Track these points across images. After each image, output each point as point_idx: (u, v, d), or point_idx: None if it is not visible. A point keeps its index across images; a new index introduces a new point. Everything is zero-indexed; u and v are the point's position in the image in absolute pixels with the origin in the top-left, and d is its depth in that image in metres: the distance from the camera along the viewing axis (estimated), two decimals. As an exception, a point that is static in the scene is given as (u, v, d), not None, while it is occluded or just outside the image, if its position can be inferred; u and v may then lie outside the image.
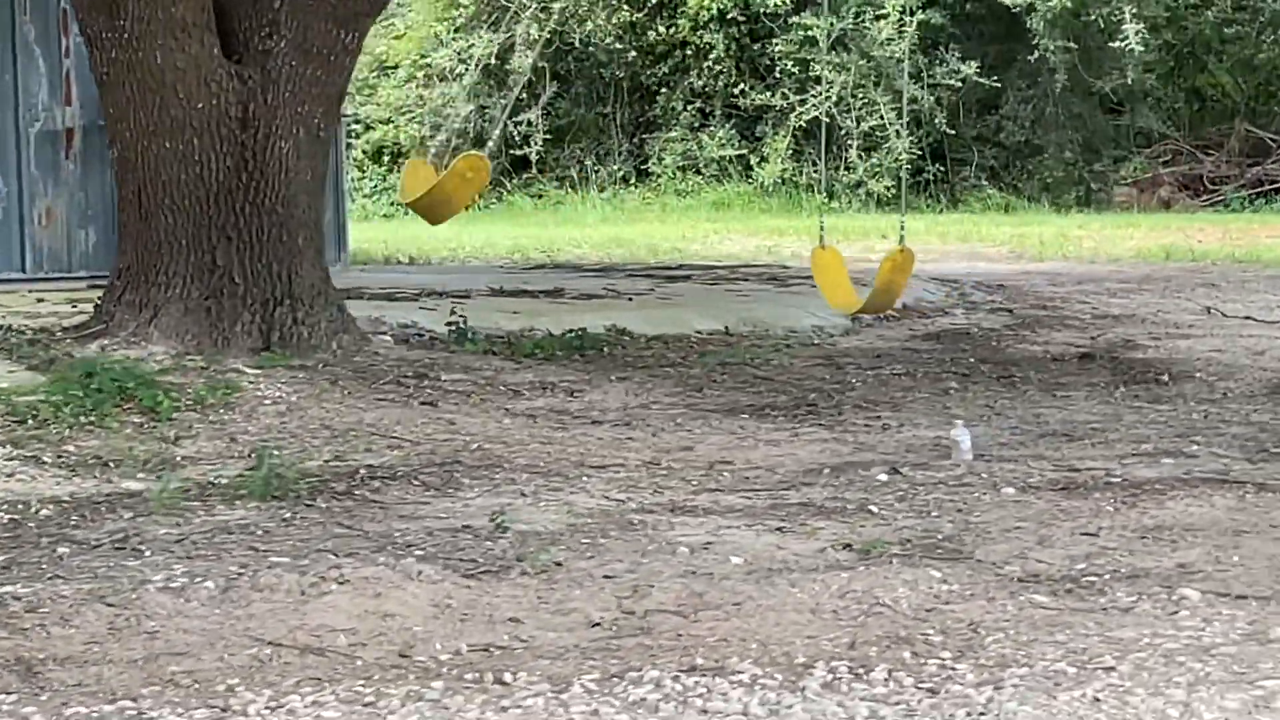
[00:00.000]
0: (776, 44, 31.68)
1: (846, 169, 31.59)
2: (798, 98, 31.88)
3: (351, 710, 6.05)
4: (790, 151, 31.67)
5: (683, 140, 32.62)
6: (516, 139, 32.24)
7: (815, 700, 6.25)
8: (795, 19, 31.48)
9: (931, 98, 32.15)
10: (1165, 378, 12.78)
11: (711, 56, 31.81)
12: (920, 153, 31.75)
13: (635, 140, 32.99)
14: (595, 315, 14.13)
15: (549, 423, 11.00)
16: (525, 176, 32.81)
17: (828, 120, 31.52)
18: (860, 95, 31.81)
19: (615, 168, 32.74)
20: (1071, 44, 32.21)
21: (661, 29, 31.96)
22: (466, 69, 32.55)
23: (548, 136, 32.46)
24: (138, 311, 11.94)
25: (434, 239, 28.99)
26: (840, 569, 7.99)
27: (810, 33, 31.49)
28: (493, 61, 32.76)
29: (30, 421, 10.48)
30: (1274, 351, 13.77)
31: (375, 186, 33.82)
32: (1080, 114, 33.70)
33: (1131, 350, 13.91)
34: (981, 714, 6.03)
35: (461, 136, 32.96)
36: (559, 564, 8.07)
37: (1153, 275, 20.13)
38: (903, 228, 12.28)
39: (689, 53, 32.15)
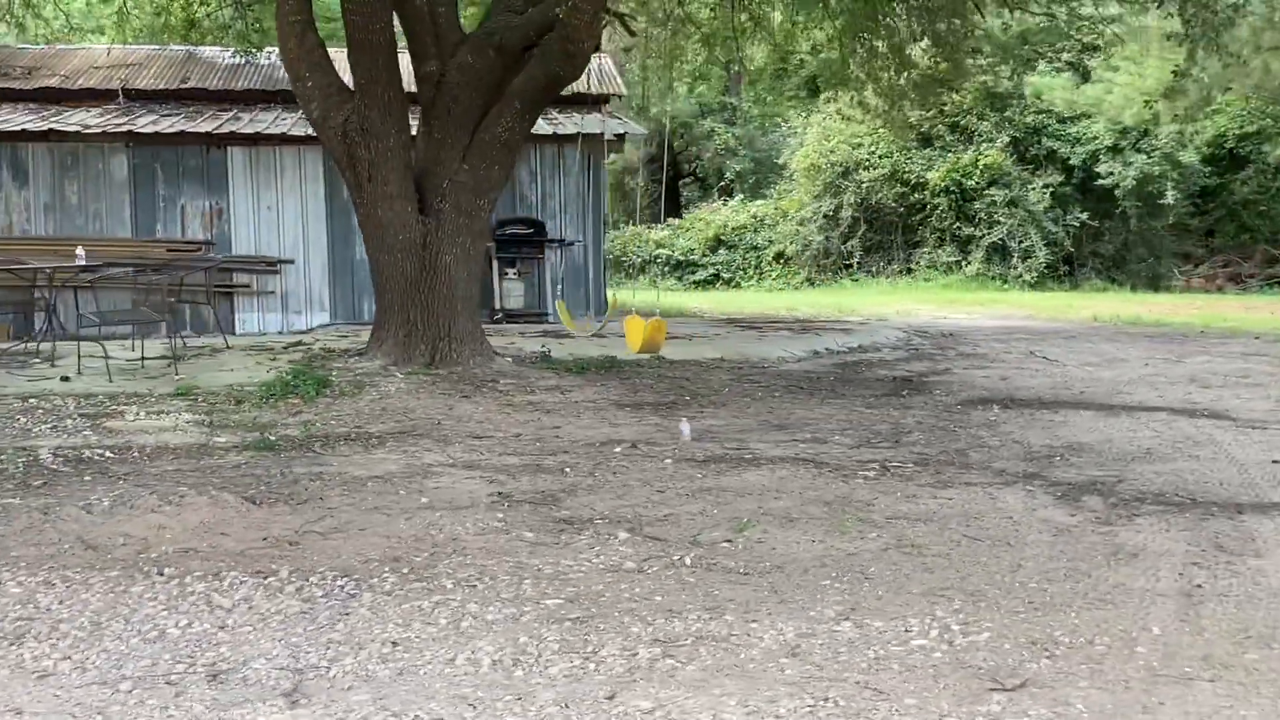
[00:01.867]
0: (975, 203, 29.44)
1: (1012, 268, 29.28)
2: (987, 230, 29.66)
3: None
4: (984, 259, 29.43)
5: (929, 252, 30.57)
6: (845, 251, 30.63)
7: (288, 597, 5.43)
8: (987, 191, 29.22)
9: (1063, 231, 29.79)
10: (905, 392, 10.66)
11: (940, 209, 29.77)
12: (1054, 260, 29.22)
13: (905, 251, 31.11)
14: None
15: (515, 409, 9.80)
16: (848, 271, 31.12)
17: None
18: (1021, 229, 29.50)
19: (895, 266, 30.79)
20: (1139, 203, 29.65)
21: (916, 195, 30.17)
22: (816, 216, 31.53)
23: (861, 251, 30.84)
24: (377, 343, 11.40)
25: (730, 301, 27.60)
26: (467, 509, 6.69)
27: (994, 197, 29.44)
28: (830, 213, 31.42)
29: (234, 401, 9.62)
30: (1014, 380, 11.49)
31: (777, 275, 32.37)
32: (1151, 239, 30.89)
33: (935, 375, 11.90)
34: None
35: (815, 250, 32.11)
36: (321, 499, 6.80)
37: (1061, 331, 17.34)
38: (657, 312, 10.54)
39: (930, 207, 30.25)
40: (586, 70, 18.25)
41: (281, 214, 15.43)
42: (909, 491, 7.11)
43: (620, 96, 18.56)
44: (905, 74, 18.89)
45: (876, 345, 14.35)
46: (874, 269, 32.68)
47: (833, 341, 14.32)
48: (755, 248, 34.45)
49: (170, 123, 15.52)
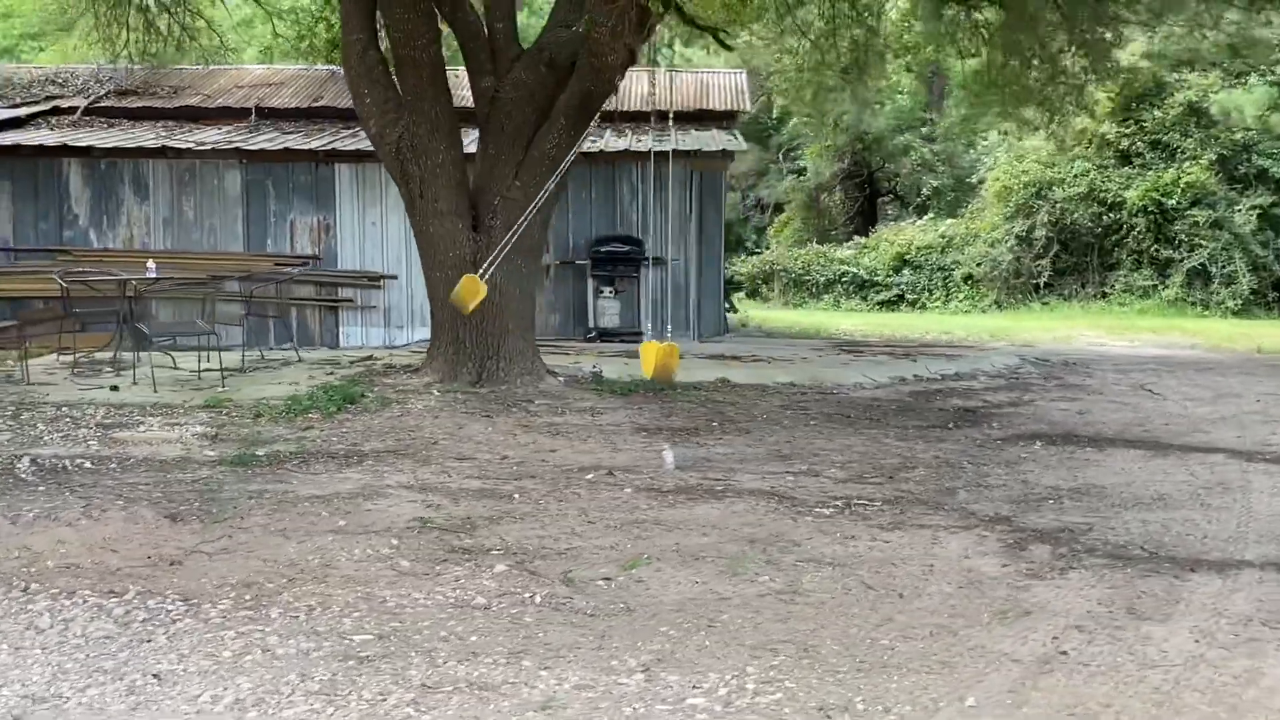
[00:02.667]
0: (1176, 224, 28.03)
1: (1214, 294, 27.88)
2: (1188, 254, 28.15)
3: None
4: (1184, 283, 27.96)
5: (1124, 275, 29.20)
6: (1034, 272, 29.51)
7: (109, 620, 5.42)
8: (1189, 212, 27.85)
9: (1272, 255, 28.20)
10: (954, 424, 10.06)
11: (1138, 229, 28.39)
12: (1261, 287, 27.88)
13: (1100, 274, 29.73)
14: (729, 371, 12.24)
15: (528, 430, 9.65)
16: (1040, 294, 29.88)
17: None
18: (1225, 253, 27.95)
19: (1089, 290, 29.50)
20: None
21: (1112, 215, 28.79)
22: (1007, 237, 30.42)
23: (1051, 272, 29.70)
24: (429, 360, 11.35)
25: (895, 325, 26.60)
26: (373, 534, 6.54)
27: (1196, 218, 27.92)
28: (1022, 233, 30.20)
29: (254, 415, 9.68)
30: (1091, 414, 10.75)
31: (964, 297, 31.37)
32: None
33: (1009, 407, 11.23)
34: None
35: (1004, 271, 31.00)
36: (241, 519, 6.76)
37: (1205, 361, 16.04)
38: (668, 333, 10.08)
39: (1126, 227, 28.94)
40: (712, 85, 18.00)
41: (385, 229, 15.61)
42: (851, 532, 6.64)
43: (745, 112, 18.18)
44: (1058, 86, 18.10)
45: (975, 373, 13.58)
46: (1067, 292, 31.17)
47: (926, 368, 13.61)
48: (942, 268, 33.35)
49: (281, 140, 15.91)
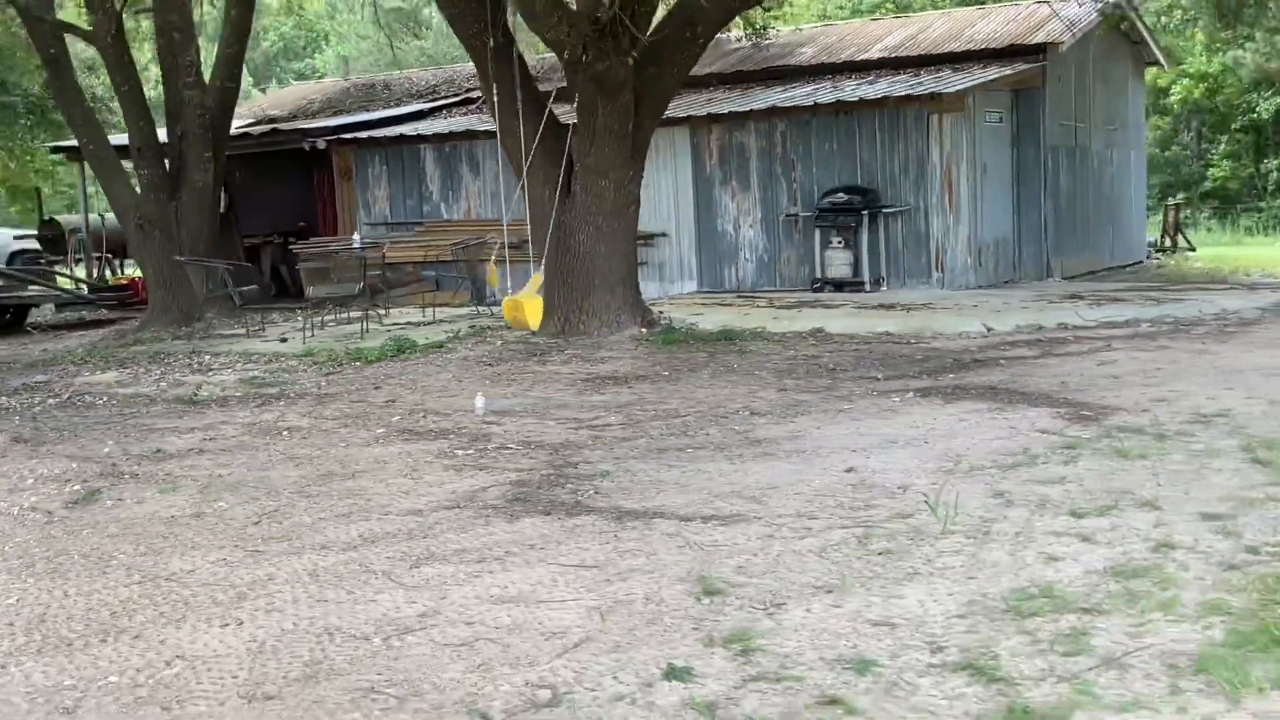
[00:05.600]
0: None
1: None
2: None
3: None
4: None
5: None
6: None
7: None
8: None
9: None
10: (896, 375, 9.59)
11: None
12: None
13: None
14: (838, 321, 12.26)
15: (492, 378, 10.56)
16: None
17: None
18: None
19: None
20: None
21: None
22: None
23: None
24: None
25: None
26: (89, 460, 8.12)
27: None
28: None
29: (313, 363, 11.49)
30: (1114, 366, 9.78)
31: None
32: None
33: (1074, 357, 10.28)
34: None
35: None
36: (58, 443, 8.62)
37: None
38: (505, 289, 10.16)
39: None
40: (1019, 15, 17.05)
41: (657, 191, 16.51)
42: (415, 469, 7.15)
43: (1060, 44, 16.74)
44: None
45: (1157, 319, 12.17)
46: None
47: (1078, 315, 12.34)
48: None
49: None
